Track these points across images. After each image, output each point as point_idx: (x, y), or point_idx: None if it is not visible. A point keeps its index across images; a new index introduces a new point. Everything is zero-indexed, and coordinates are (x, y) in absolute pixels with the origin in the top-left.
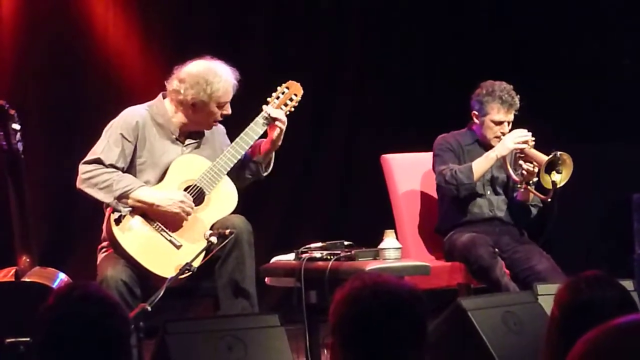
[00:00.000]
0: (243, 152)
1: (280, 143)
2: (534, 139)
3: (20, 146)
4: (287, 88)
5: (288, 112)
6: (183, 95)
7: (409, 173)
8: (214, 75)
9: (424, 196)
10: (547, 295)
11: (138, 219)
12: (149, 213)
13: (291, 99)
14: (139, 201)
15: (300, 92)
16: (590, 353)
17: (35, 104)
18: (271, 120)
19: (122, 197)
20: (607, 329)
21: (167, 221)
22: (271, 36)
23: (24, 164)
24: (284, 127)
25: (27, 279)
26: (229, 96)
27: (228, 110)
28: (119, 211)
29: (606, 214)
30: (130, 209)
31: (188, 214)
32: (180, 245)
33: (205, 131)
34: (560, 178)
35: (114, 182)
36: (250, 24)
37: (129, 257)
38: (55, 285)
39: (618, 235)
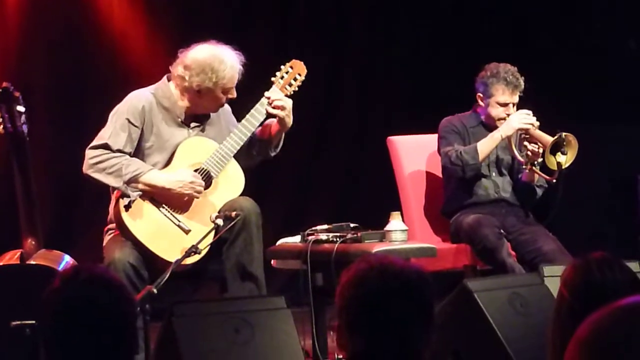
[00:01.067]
0: (249, 134)
1: (289, 124)
2: (537, 121)
3: (25, 128)
4: (291, 67)
5: (292, 92)
6: (188, 82)
7: (416, 155)
8: (220, 62)
9: (430, 178)
10: (553, 276)
11: (147, 204)
12: (158, 197)
13: (295, 79)
14: (148, 185)
15: (304, 71)
16: (595, 335)
17: (40, 86)
18: (270, 112)
19: (132, 181)
20: (611, 311)
21: (176, 205)
22: (278, 17)
23: (29, 146)
24: (284, 113)
25: (32, 262)
26: (234, 82)
27: (233, 94)
28: (128, 196)
29: (612, 195)
30: (139, 193)
31: (199, 193)
32: (189, 230)
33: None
34: (565, 159)
35: (122, 167)
36: (255, 5)
37: (138, 243)
38: (60, 267)
39: (623, 216)
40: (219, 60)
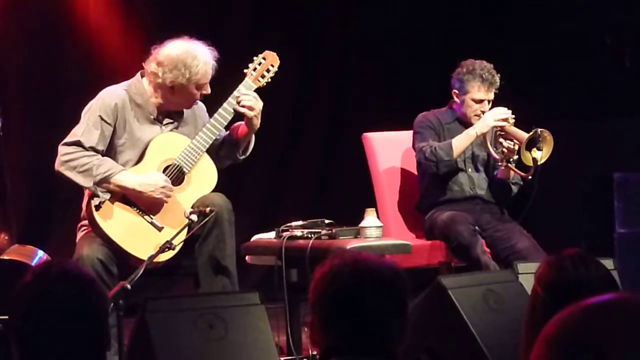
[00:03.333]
0: (222, 128)
1: (257, 126)
2: (514, 116)
3: None
4: (264, 59)
5: (265, 84)
6: (162, 78)
7: (391, 152)
8: (193, 59)
9: (405, 175)
10: (527, 273)
11: (118, 203)
12: (130, 196)
13: (268, 70)
14: (119, 186)
15: (277, 62)
16: (562, 332)
17: (15, 82)
18: (238, 111)
19: (103, 181)
20: (579, 309)
21: (148, 203)
22: (253, 12)
23: (3, 141)
24: (253, 114)
25: (5, 257)
26: (208, 77)
27: (207, 90)
28: (98, 196)
29: (587, 193)
30: (109, 194)
31: (169, 197)
32: (162, 228)
33: (185, 109)
34: (541, 155)
35: (94, 167)
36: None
37: (111, 241)
38: (34, 263)
39: (598, 214)
40: (192, 56)
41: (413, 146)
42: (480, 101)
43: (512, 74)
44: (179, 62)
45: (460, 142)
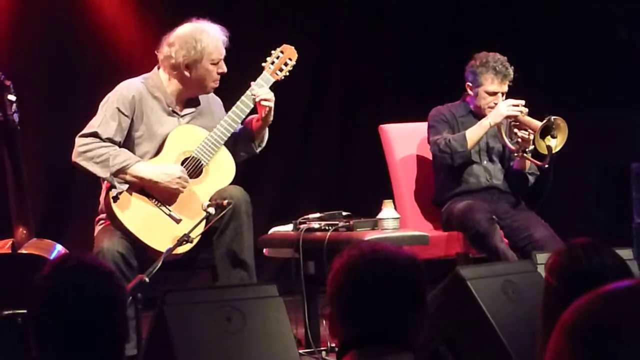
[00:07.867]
0: (239, 121)
1: (271, 119)
2: (526, 109)
3: (16, 117)
4: (282, 52)
5: (283, 77)
6: (175, 58)
7: (408, 143)
8: (202, 32)
9: (423, 166)
10: None
11: (137, 194)
12: (147, 188)
13: (286, 64)
14: (136, 177)
15: (295, 55)
16: (580, 320)
17: (31, 75)
18: (257, 102)
19: (119, 172)
20: (597, 296)
21: (166, 195)
22: (264, 3)
23: (20, 134)
24: (270, 105)
25: (23, 251)
26: (220, 52)
27: (223, 68)
28: (115, 187)
29: (604, 183)
30: (127, 185)
31: (185, 187)
32: (180, 220)
33: (202, 101)
34: (555, 143)
35: (110, 157)
36: None
37: (129, 233)
38: (52, 256)
39: (615, 204)
40: (200, 30)
41: (428, 140)
42: (494, 94)
43: (527, 65)
44: (188, 38)
45: (474, 133)
